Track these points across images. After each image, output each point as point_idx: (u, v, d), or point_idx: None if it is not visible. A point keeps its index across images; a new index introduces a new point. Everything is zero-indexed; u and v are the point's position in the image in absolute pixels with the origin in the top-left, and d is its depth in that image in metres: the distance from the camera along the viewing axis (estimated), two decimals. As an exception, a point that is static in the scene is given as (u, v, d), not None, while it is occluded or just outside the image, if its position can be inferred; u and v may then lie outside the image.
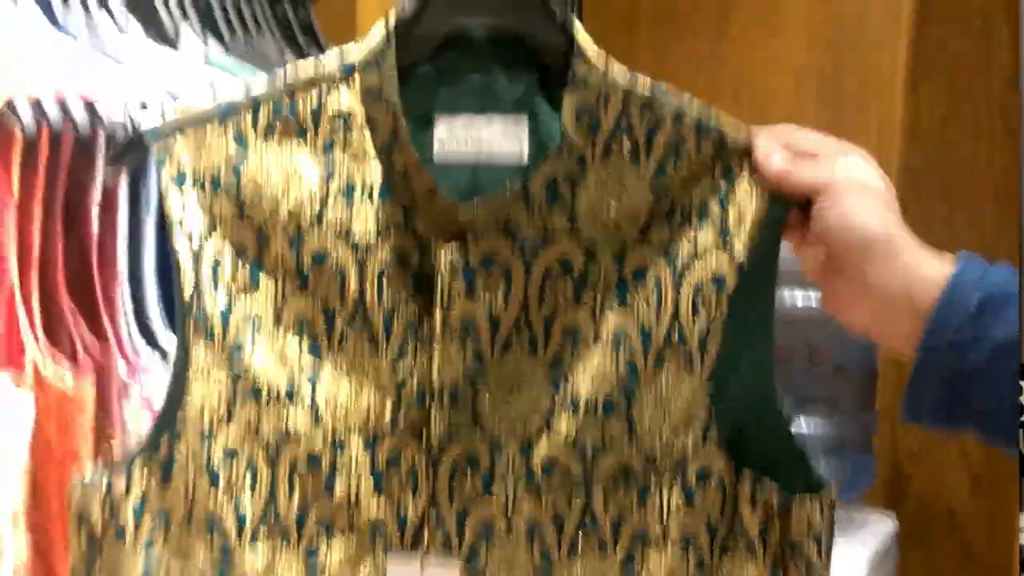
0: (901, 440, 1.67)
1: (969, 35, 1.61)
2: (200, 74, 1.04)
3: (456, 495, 0.70)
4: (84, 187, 0.92)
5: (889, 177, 0.70)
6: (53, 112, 0.87)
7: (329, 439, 0.70)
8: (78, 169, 0.92)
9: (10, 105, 0.85)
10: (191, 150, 0.70)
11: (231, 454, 0.71)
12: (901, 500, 1.66)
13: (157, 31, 1.08)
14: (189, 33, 1.10)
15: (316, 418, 0.70)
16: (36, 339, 0.89)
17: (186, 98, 0.73)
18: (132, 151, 0.91)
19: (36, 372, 0.87)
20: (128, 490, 0.72)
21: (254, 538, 0.71)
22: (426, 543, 0.70)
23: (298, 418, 0.70)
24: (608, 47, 0.70)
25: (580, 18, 0.93)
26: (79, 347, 0.92)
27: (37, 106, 0.86)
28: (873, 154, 0.70)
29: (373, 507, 0.70)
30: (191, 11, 1.12)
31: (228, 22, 1.17)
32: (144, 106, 0.89)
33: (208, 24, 1.14)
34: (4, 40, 0.93)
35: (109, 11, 1.03)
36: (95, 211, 0.93)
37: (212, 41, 1.14)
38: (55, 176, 0.90)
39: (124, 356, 0.94)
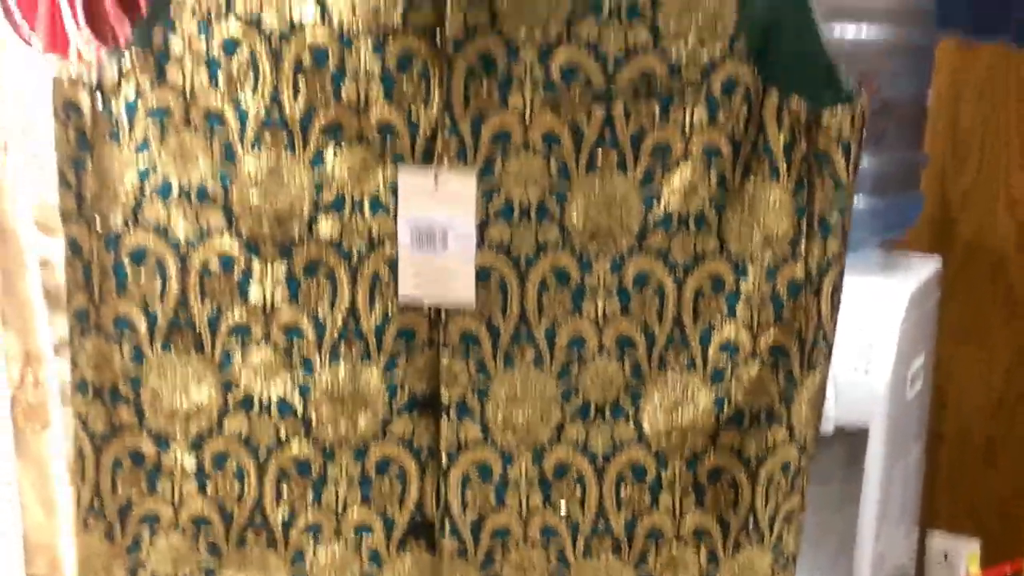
0: (950, 184, 1.66)
1: None
2: None
3: (471, 101, 0.68)
4: None
5: None
6: None
7: (336, 33, 0.67)
8: None
9: None
10: None
11: (232, 45, 0.68)
12: (947, 244, 1.66)
13: None
14: None
15: (322, 9, 0.67)
16: (79, 29, 0.91)
17: None
18: None
19: (79, 57, 0.89)
20: (120, 83, 0.69)
21: (257, 141, 0.69)
22: (439, 152, 0.68)
23: (303, 8, 0.68)
24: None
25: None
26: (122, 41, 0.94)
27: None
28: None
29: (383, 113, 0.68)
30: None
31: None
32: None
33: None
34: None
35: None
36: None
37: None
38: None
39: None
